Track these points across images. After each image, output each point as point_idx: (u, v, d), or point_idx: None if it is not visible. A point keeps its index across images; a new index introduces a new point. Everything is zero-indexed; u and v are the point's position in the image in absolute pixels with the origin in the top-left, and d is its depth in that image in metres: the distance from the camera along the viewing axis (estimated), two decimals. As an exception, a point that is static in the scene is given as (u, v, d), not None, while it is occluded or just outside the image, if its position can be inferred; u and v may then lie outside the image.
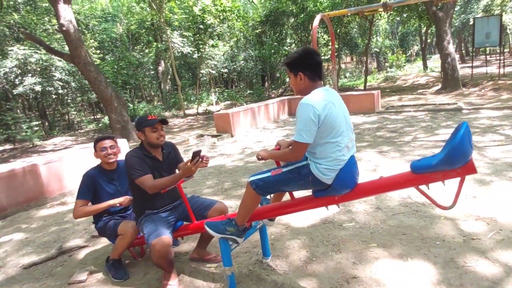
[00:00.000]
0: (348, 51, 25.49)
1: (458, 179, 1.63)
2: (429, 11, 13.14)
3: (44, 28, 12.65)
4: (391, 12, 16.94)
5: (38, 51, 11.46)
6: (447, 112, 8.47)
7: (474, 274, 2.18)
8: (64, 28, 7.59)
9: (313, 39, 7.55)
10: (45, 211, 4.52)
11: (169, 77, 19.47)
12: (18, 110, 13.07)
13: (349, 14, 14.66)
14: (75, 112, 15.71)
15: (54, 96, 13.17)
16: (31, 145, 11.08)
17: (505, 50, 25.32)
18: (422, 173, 1.63)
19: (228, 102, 17.85)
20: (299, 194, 2.29)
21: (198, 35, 15.27)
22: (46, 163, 4.82)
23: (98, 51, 15.06)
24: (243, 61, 19.61)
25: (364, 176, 4.02)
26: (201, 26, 14.77)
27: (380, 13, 17.24)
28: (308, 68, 1.80)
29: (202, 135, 8.80)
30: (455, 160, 1.51)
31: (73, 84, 13.30)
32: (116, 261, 2.66)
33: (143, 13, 16.19)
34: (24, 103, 14.84)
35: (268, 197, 2.42)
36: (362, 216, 3.21)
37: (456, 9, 20.29)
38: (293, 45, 20.48)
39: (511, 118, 6.90)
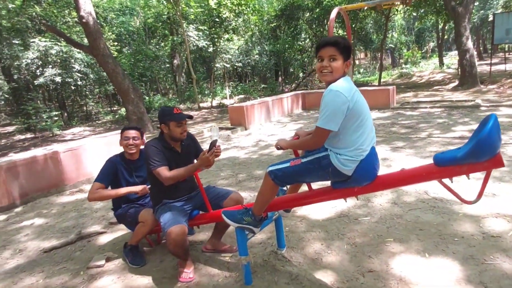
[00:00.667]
0: (362, 47, 25.05)
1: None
2: (447, 6, 12.78)
3: (64, 20, 12.92)
4: (408, 7, 16.56)
5: (59, 43, 11.72)
6: (464, 109, 8.25)
7: (494, 271, 2.13)
8: (84, 20, 7.72)
9: (329, 33, 7.44)
10: (64, 198, 4.65)
11: (184, 70, 19.59)
12: (39, 101, 13.43)
13: (365, 8, 14.39)
14: (93, 104, 16.04)
15: (73, 88, 13.47)
16: (50, 135, 11.40)
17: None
18: (446, 166, 1.59)
19: (242, 96, 17.86)
20: (316, 185, 2.28)
21: (213, 29, 15.29)
22: (66, 151, 4.95)
23: (116, 43, 15.28)
24: (257, 55, 19.56)
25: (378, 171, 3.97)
26: (217, 20, 14.79)
27: (397, 7, 16.89)
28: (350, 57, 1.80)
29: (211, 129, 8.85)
30: (482, 153, 1.46)
31: (91, 75, 13.58)
32: (134, 247, 2.72)
33: (160, 6, 16.30)
34: (45, 94, 15.22)
35: (284, 188, 2.42)
36: (378, 210, 3.18)
37: (475, 4, 19.66)
38: (308, 40, 20.28)
39: (534, 116, 6.68)
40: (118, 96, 15.97)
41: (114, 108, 17.69)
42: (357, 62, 29.16)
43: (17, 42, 10.16)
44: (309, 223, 3.08)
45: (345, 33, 17.20)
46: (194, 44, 15.78)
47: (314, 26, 18.20)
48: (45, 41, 11.44)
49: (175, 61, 19.23)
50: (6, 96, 14.14)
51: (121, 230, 3.32)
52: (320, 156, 1.82)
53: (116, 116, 14.75)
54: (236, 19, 15.58)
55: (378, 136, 6.27)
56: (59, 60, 12.08)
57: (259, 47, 19.76)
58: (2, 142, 11.57)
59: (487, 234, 2.57)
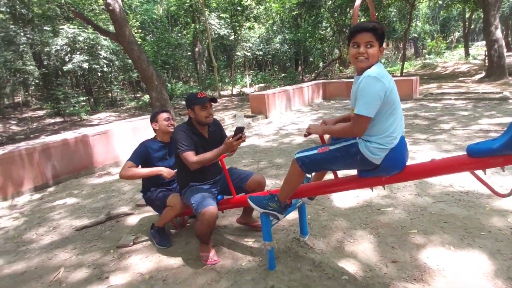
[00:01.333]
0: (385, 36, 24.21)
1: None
2: (476, -6, 12.20)
3: (91, 8, 13.20)
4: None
5: (86, 30, 12.01)
6: (491, 102, 7.92)
7: (523, 267, 2.09)
8: (110, 8, 7.86)
9: (353, 21, 7.25)
10: (93, 180, 4.86)
11: (205, 58, 19.68)
12: (67, 87, 13.90)
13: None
14: (117, 90, 16.43)
15: (99, 74, 13.84)
16: (78, 119, 11.83)
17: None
18: (481, 157, 1.56)
19: (262, 85, 17.80)
20: (342, 173, 2.28)
21: (235, 17, 15.23)
22: (95, 135, 5.14)
23: (140, 31, 15.51)
24: (278, 44, 19.37)
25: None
26: (239, 8, 14.70)
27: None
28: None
29: (235, 116, 8.90)
30: None
31: (116, 62, 13.88)
32: (160, 229, 2.83)
33: (183, -6, 16.34)
34: (72, 80, 15.74)
35: (309, 176, 2.44)
36: (401, 202, 3.15)
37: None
38: (329, 28, 19.85)
39: None
40: (141, 83, 16.27)
41: (138, 95, 18.07)
42: (379, 51, 28.21)
43: (48, 28, 10.50)
44: (331, 211, 3.09)
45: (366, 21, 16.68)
46: (216, 32, 15.79)
47: (336, 15, 17.78)
48: (73, 28, 11.77)
49: (196, 49, 19.35)
50: (37, 81, 14.69)
51: (147, 212, 3.45)
52: (348, 144, 1.80)
53: (140, 103, 15.07)
54: (257, 7, 15.43)
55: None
56: (86, 47, 12.43)
57: (280, 35, 19.53)
58: (33, 125, 12.11)
59: (516, 230, 2.51)
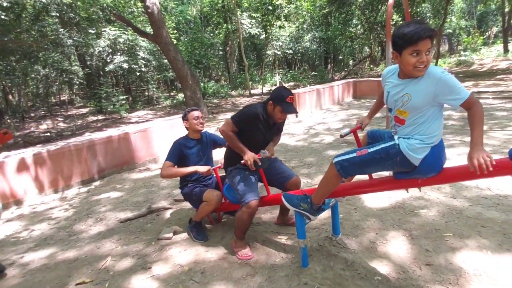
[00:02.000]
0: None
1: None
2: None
3: (130, 10, 13.84)
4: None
5: (126, 32, 12.64)
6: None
7: None
8: (149, 10, 8.23)
9: (387, 17, 7.06)
10: (134, 175, 5.16)
11: (235, 57, 19.94)
12: (108, 86, 14.71)
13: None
14: (154, 89, 17.09)
15: (137, 74, 14.49)
16: (119, 117, 12.49)
17: None
18: None
19: (292, 83, 17.76)
20: (376, 174, 2.30)
21: (265, 16, 15.32)
22: (136, 132, 5.46)
23: (175, 31, 16.04)
24: (308, 42, 19.21)
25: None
26: (270, 7, 14.78)
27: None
28: None
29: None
30: None
31: (153, 62, 14.47)
32: (197, 224, 2.98)
33: (216, -5, 16.67)
34: (112, 79, 16.59)
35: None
36: (435, 204, 3.10)
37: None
38: (359, 26, 19.38)
39: None
40: (176, 82, 16.78)
41: (172, 94, 18.69)
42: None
43: (91, 31, 11.19)
44: (363, 212, 3.11)
45: (400, 18, 16.12)
46: (247, 31, 15.96)
47: (367, 12, 17.34)
48: (114, 30, 12.42)
49: (227, 48, 19.65)
50: (80, 81, 15.66)
51: (185, 207, 3.64)
52: (387, 145, 1.81)
53: (174, 101, 15.59)
54: (288, 6, 15.41)
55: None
56: (126, 48, 13.08)
57: (310, 34, 19.37)
58: (78, 122, 12.93)
59: (561, 237, 2.41)
